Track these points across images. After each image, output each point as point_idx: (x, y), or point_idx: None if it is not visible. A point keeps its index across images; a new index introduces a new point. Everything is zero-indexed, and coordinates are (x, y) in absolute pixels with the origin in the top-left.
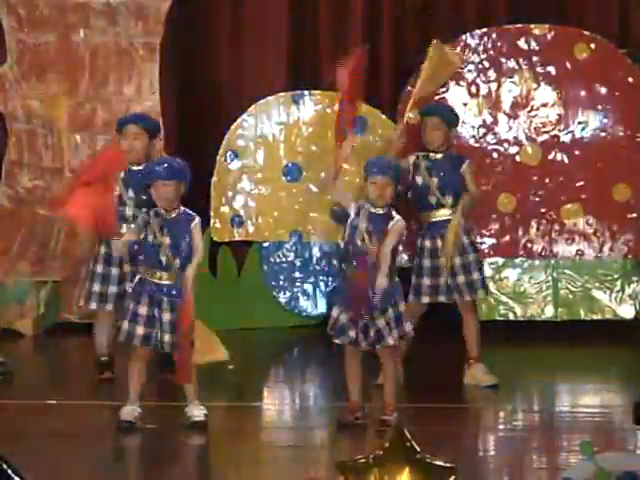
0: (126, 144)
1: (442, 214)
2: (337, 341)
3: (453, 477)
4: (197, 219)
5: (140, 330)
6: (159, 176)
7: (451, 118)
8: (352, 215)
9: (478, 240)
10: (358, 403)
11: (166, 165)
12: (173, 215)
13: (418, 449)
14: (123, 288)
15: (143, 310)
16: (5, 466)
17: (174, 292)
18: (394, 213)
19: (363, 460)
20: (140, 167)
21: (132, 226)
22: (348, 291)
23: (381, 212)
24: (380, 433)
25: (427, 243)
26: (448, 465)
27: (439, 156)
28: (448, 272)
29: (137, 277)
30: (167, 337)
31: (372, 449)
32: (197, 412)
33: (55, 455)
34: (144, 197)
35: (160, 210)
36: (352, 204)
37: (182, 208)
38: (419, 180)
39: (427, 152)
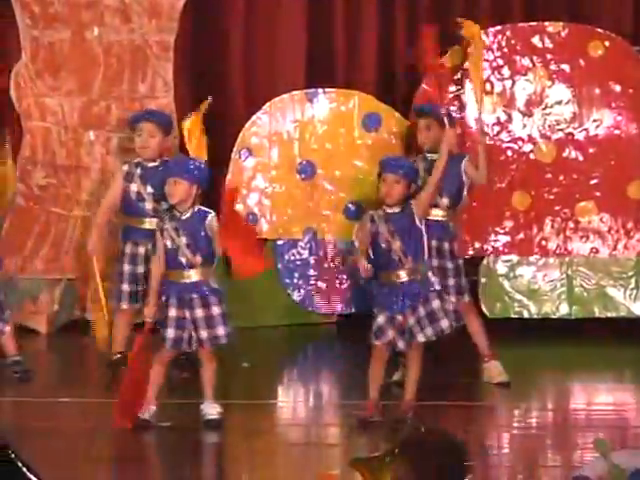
0: (140, 141)
1: (435, 214)
2: (377, 342)
3: (468, 476)
4: (212, 214)
5: (171, 333)
6: (172, 174)
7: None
8: (368, 225)
9: (492, 237)
10: (377, 401)
11: (180, 164)
12: (187, 215)
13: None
14: (148, 286)
15: (173, 313)
16: (19, 464)
17: (204, 288)
18: (408, 204)
19: (378, 457)
20: (155, 163)
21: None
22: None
23: (397, 210)
24: (395, 430)
25: None
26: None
27: (436, 157)
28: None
29: (164, 281)
30: (204, 333)
31: (387, 446)
32: (212, 410)
33: (69, 453)
34: (163, 192)
35: (174, 212)
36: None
37: (197, 207)
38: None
39: (423, 153)
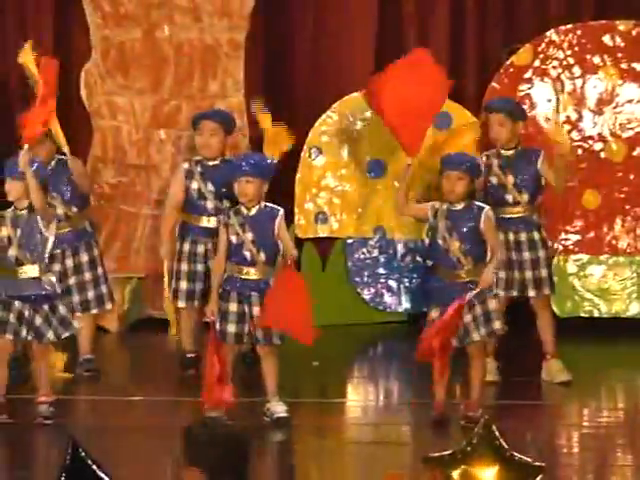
0: (201, 139)
1: (517, 211)
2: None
3: (540, 476)
4: (281, 212)
5: (232, 328)
6: (243, 172)
7: (516, 112)
8: (430, 218)
9: (562, 237)
10: (443, 401)
11: (251, 162)
12: (254, 212)
13: (506, 447)
14: (208, 284)
15: (233, 307)
16: (90, 461)
17: (263, 287)
18: (478, 205)
19: (450, 455)
20: (216, 162)
21: None
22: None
23: (459, 208)
24: (465, 430)
25: (501, 236)
26: (536, 464)
27: (510, 153)
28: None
29: (225, 276)
30: (259, 331)
31: (459, 444)
32: (280, 408)
33: (140, 451)
34: (224, 190)
35: (240, 207)
36: (428, 209)
37: (263, 203)
38: (494, 179)
39: (497, 149)
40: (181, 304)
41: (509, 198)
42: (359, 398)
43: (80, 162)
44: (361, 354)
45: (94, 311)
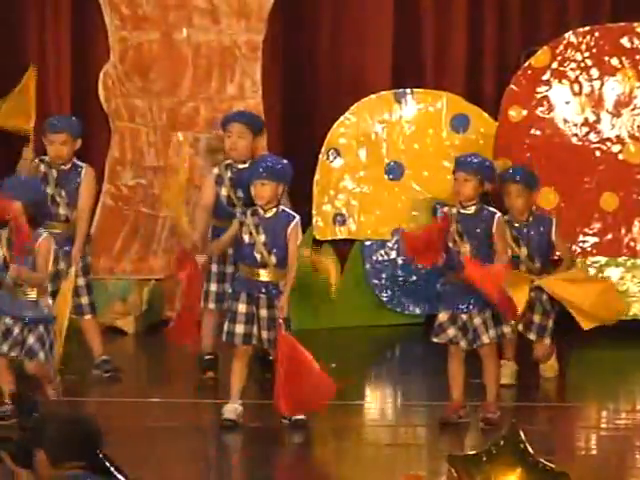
0: (229, 142)
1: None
2: (436, 340)
3: None
4: (297, 219)
5: (240, 329)
6: (259, 176)
7: (532, 182)
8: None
9: (580, 239)
10: (460, 402)
11: (266, 165)
12: (270, 214)
13: (531, 451)
14: None
15: (242, 308)
16: (108, 463)
17: (272, 290)
18: (490, 210)
19: (475, 456)
20: (245, 165)
21: None
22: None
23: (470, 212)
24: (484, 431)
25: None
26: (560, 470)
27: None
28: None
29: (236, 276)
30: (265, 334)
31: (484, 446)
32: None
33: (157, 452)
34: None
35: (257, 209)
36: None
37: (281, 207)
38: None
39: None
40: (211, 306)
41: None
42: (377, 400)
43: (92, 177)
44: (379, 356)
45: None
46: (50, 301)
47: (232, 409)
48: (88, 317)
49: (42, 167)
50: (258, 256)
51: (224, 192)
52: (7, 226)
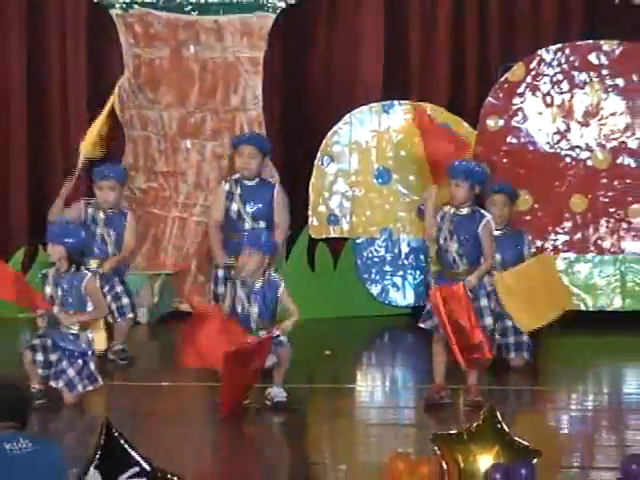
0: (241, 162)
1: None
2: (422, 325)
3: (536, 458)
4: (282, 284)
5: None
6: (246, 245)
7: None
8: (438, 219)
9: (552, 237)
10: (442, 385)
11: (252, 237)
12: (259, 284)
13: (507, 430)
14: None
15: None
16: (122, 442)
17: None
18: (481, 212)
19: (457, 434)
20: (254, 182)
21: None
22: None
23: (464, 213)
24: (465, 412)
25: None
26: (533, 447)
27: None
28: None
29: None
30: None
31: (464, 426)
32: (280, 394)
33: (167, 432)
34: (261, 211)
35: (246, 279)
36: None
37: (267, 275)
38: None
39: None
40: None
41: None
42: (367, 383)
43: (134, 221)
44: (369, 343)
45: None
46: (91, 336)
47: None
48: (130, 315)
49: (90, 209)
50: (253, 325)
51: (234, 207)
52: (54, 266)
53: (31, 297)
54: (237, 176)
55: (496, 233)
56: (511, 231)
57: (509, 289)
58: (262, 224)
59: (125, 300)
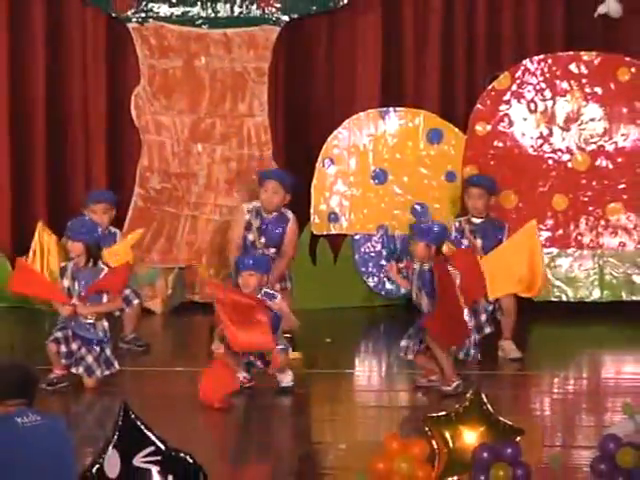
0: (265, 196)
1: None
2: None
3: (520, 437)
4: (279, 297)
5: None
6: (244, 268)
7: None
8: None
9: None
10: (432, 370)
11: (251, 260)
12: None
13: (492, 411)
14: None
15: None
16: (139, 423)
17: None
18: (499, 223)
19: (446, 416)
20: (272, 215)
21: None
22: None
23: (427, 268)
24: (454, 396)
25: None
26: (516, 427)
27: (480, 221)
28: None
29: None
30: None
31: (452, 408)
32: (284, 378)
33: (180, 416)
34: (274, 241)
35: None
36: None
37: (263, 290)
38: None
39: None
40: None
41: None
42: (365, 369)
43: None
44: (367, 332)
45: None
46: (106, 324)
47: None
48: (136, 302)
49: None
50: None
51: (251, 237)
52: (72, 260)
53: (51, 291)
54: (258, 205)
55: (477, 221)
56: (492, 220)
57: (493, 267)
58: (272, 251)
59: (127, 290)
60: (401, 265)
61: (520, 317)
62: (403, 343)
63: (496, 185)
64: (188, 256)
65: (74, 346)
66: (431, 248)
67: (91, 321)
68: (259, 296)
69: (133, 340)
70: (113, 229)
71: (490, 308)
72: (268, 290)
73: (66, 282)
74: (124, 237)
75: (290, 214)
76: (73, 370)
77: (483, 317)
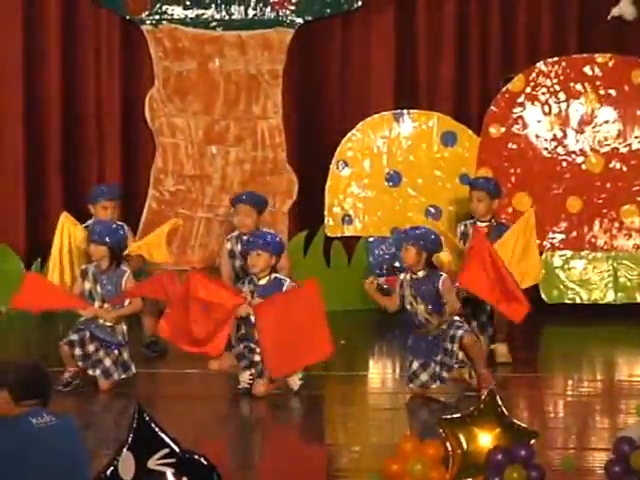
0: (237, 220)
1: None
2: (411, 385)
3: (534, 440)
4: (288, 282)
5: None
6: (254, 246)
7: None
8: (397, 288)
9: (550, 235)
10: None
11: (261, 238)
12: (264, 282)
13: (507, 413)
14: None
15: None
16: (153, 425)
17: None
18: (436, 272)
19: (460, 418)
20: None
21: None
22: None
23: (420, 276)
24: (468, 398)
25: None
26: (531, 429)
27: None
28: None
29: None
30: None
31: (467, 410)
32: (293, 382)
33: (195, 416)
34: None
35: (253, 277)
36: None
37: (273, 275)
38: None
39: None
40: None
41: None
42: (379, 371)
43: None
44: (380, 334)
45: None
46: (125, 328)
47: (245, 378)
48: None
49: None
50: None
51: (237, 264)
52: (93, 262)
53: (68, 300)
54: (236, 233)
55: (481, 225)
56: (496, 223)
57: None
58: None
59: None
60: (381, 280)
61: (534, 319)
62: (423, 378)
63: (499, 188)
64: (203, 257)
65: (91, 348)
66: (422, 256)
67: (110, 324)
68: (265, 281)
69: (152, 345)
70: (120, 222)
71: (489, 308)
72: (278, 275)
73: (87, 285)
74: (135, 240)
75: (271, 230)
76: (90, 372)
77: (483, 317)
